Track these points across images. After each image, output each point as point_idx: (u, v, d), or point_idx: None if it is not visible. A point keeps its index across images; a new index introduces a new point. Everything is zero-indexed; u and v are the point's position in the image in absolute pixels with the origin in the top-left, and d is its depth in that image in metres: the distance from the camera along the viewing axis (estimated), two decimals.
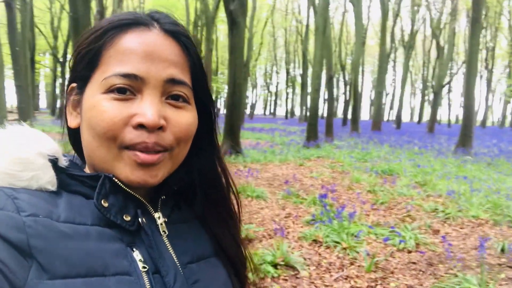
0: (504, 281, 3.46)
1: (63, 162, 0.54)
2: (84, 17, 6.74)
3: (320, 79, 13.15)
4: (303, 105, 33.85)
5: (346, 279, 3.41)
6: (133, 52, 0.52)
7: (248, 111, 42.89)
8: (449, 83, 28.68)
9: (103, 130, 0.51)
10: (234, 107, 10.06)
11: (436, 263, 3.87)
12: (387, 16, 22.91)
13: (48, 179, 0.50)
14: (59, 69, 27.52)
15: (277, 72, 59.29)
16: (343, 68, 29.56)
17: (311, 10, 20.09)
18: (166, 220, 0.58)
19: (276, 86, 60.46)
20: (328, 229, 4.46)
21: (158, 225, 0.56)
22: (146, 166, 0.52)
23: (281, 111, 67.53)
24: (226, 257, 0.64)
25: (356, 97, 19.71)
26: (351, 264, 3.74)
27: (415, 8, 30.42)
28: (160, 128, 0.52)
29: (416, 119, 56.88)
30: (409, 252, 4.15)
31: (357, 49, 19.31)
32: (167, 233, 0.57)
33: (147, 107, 0.51)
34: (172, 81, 0.54)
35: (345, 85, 29.18)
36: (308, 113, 13.99)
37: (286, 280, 3.35)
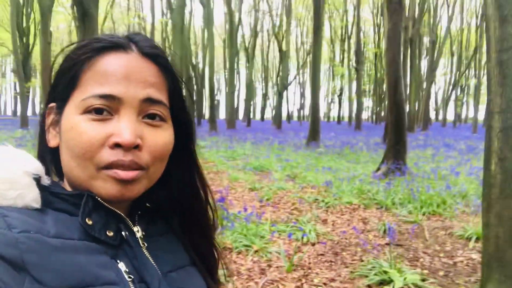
0: (398, 258, 3.92)
1: (46, 181, 0.55)
2: None
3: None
4: None
5: (272, 283, 3.33)
6: (111, 74, 0.53)
7: None
8: (289, 84, 31.85)
9: (81, 151, 0.52)
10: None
11: (340, 251, 4.14)
12: (234, 19, 23.91)
13: (32, 197, 0.51)
14: None
15: None
16: (194, 68, 29.67)
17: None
18: (143, 233, 0.60)
19: None
20: (234, 233, 4.32)
21: (137, 238, 0.58)
22: (124, 183, 0.53)
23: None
24: (203, 264, 0.68)
25: (212, 97, 20.04)
26: (269, 266, 3.69)
27: (256, 13, 32.71)
28: (136, 147, 0.53)
29: (258, 117, 61.56)
30: (313, 244, 4.34)
31: (211, 51, 19.62)
32: (145, 245, 0.58)
33: (123, 127, 0.52)
34: (149, 101, 0.55)
35: (197, 85, 29.45)
36: None
37: None
